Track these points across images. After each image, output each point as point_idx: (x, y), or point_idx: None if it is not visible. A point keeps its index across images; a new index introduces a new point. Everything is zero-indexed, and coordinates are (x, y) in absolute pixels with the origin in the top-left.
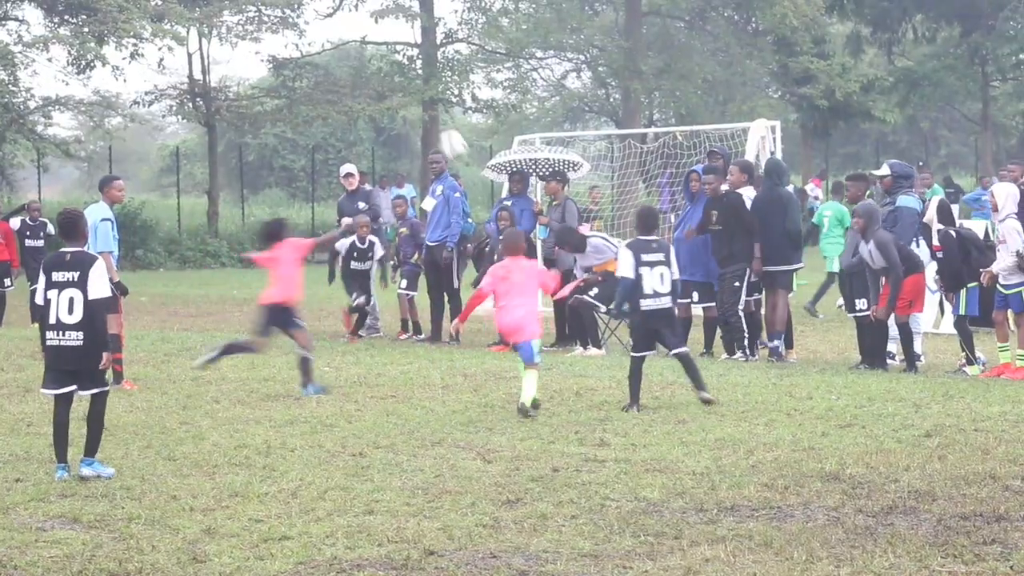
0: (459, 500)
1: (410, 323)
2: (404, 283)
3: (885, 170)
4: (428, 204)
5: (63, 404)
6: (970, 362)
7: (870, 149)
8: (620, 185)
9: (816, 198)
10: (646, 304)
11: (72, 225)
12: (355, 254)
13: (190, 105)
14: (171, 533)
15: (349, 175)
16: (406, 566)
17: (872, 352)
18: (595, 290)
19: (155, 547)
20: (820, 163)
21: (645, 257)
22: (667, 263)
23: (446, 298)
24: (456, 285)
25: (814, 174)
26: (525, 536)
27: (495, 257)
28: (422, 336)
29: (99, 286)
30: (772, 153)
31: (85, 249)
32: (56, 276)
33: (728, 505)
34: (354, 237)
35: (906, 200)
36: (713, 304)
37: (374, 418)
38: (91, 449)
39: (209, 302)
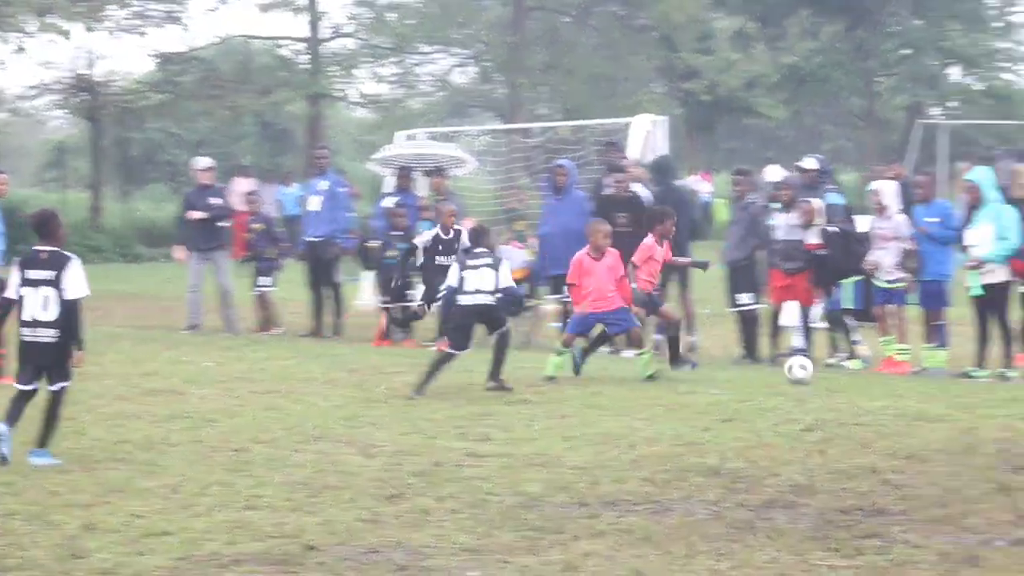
0: (340, 495)
1: (267, 319)
2: (261, 280)
3: (813, 163)
4: (314, 204)
5: (27, 397)
6: (853, 356)
7: (754, 144)
8: (505, 180)
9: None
10: (464, 300)
11: (45, 224)
12: (440, 247)
13: (75, 99)
14: (51, 529)
15: (209, 168)
16: (286, 561)
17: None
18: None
19: (35, 543)
20: (705, 158)
21: (469, 262)
22: (493, 266)
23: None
24: (338, 280)
25: (701, 169)
26: (406, 531)
27: (383, 254)
28: (281, 330)
29: (75, 286)
30: (656, 148)
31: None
32: (31, 274)
33: (609, 499)
34: (437, 230)
35: (834, 197)
36: None
37: (255, 413)
38: (45, 441)
39: (92, 296)
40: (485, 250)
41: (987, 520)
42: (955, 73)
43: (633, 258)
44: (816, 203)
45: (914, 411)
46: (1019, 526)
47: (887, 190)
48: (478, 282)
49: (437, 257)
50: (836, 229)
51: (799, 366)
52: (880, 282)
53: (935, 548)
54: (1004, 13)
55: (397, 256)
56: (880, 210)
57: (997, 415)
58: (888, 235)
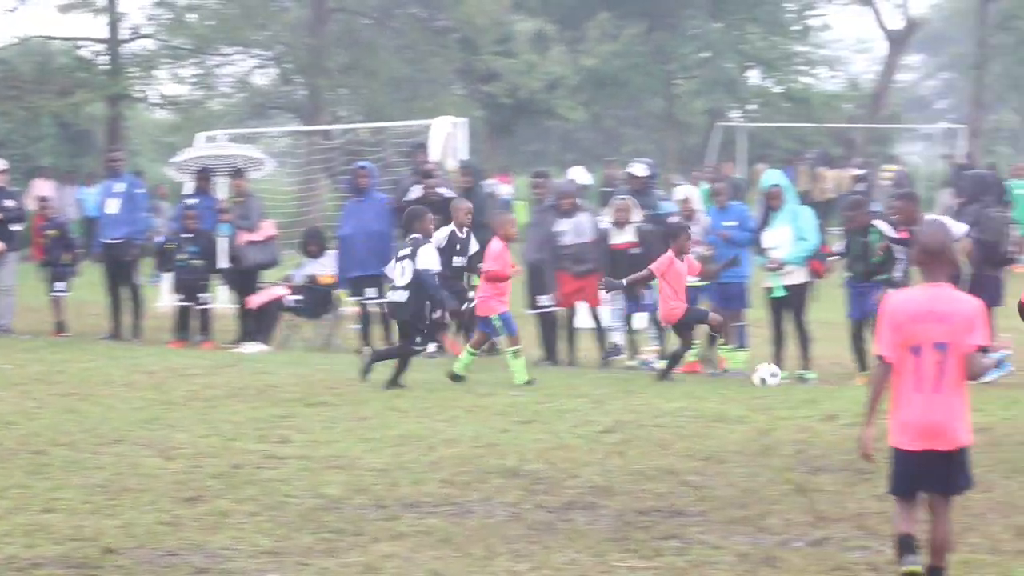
0: (139, 498)
1: (62, 323)
2: (56, 285)
3: (643, 169)
4: (111, 206)
5: None
6: (663, 356)
7: (554, 147)
8: (305, 182)
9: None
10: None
11: None
12: (457, 247)
13: None
14: None
15: (3, 171)
16: (85, 564)
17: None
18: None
19: None
20: (506, 160)
21: (399, 252)
22: (412, 257)
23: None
24: (137, 282)
25: (499, 171)
26: (205, 533)
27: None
28: (68, 333)
29: None
30: (457, 150)
31: None
32: None
33: (409, 501)
34: (452, 228)
35: (667, 206)
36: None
37: (54, 416)
38: None
39: None
40: (417, 236)
41: (784, 521)
42: (754, 76)
43: (655, 272)
44: (629, 201)
45: (712, 412)
46: (816, 527)
47: (695, 195)
48: (398, 277)
49: (454, 257)
50: (652, 227)
51: (770, 374)
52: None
53: (733, 549)
54: (802, 17)
55: (187, 258)
56: (689, 214)
57: (794, 417)
58: (696, 239)
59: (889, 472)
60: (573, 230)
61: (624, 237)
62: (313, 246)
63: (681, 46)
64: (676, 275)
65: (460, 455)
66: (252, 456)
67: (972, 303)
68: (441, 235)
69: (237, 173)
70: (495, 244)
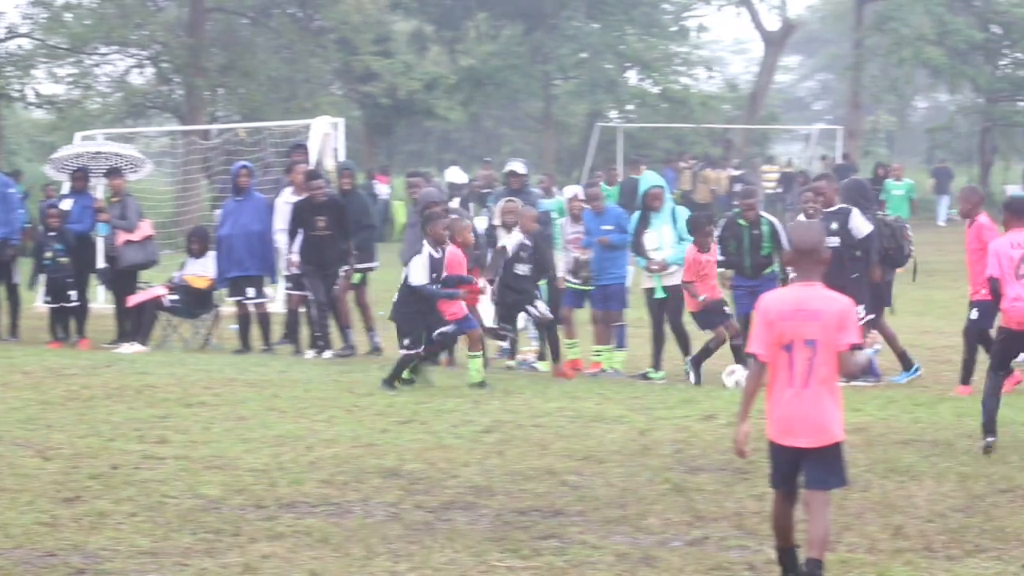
0: (17, 498)
1: None
2: None
3: (521, 168)
4: None
5: None
6: (542, 357)
7: (433, 147)
8: (183, 182)
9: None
10: None
11: None
12: (523, 255)
13: None
14: None
15: None
16: None
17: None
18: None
19: None
20: (385, 160)
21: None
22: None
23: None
24: (15, 281)
25: (377, 171)
26: (83, 534)
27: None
28: None
29: None
30: (335, 150)
31: None
32: None
33: (287, 502)
34: (522, 237)
35: (544, 204)
36: (265, 300)
37: None
38: None
39: None
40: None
41: (663, 521)
42: (632, 77)
43: (684, 276)
44: (516, 203)
45: (591, 412)
46: (695, 526)
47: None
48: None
49: (518, 265)
50: (539, 227)
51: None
52: (571, 284)
53: (612, 549)
54: (679, 18)
55: (53, 256)
56: (575, 217)
57: (673, 416)
58: (579, 239)
59: (772, 466)
60: None
61: (513, 239)
62: (196, 244)
63: (559, 47)
64: (700, 267)
65: (339, 455)
66: (130, 456)
67: (843, 301)
68: (514, 241)
69: (114, 173)
70: (454, 251)
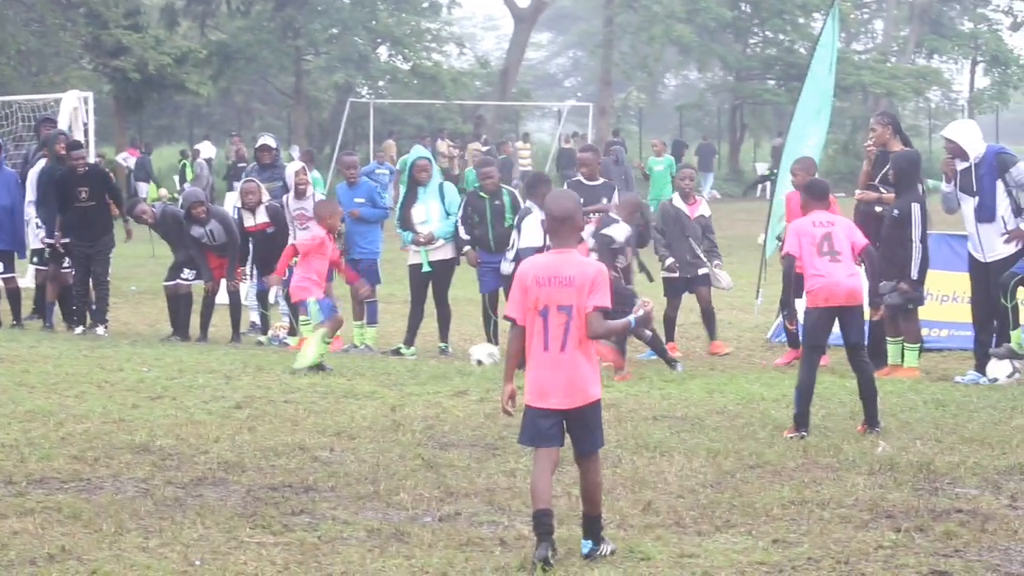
0: None
1: None
2: None
3: (272, 141)
4: None
5: None
6: (293, 332)
7: (184, 121)
8: None
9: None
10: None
11: None
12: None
13: None
14: None
15: None
16: None
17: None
18: None
19: None
20: (134, 134)
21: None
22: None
23: None
24: None
25: (128, 145)
26: None
27: None
28: None
29: None
30: (85, 124)
31: None
32: None
33: (37, 478)
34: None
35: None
36: (14, 275)
37: None
38: None
39: None
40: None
41: (414, 496)
42: (383, 53)
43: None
44: (255, 183)
45: (343, 388)
46: (446, 502)
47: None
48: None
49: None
50: (279, 204)
51: (487, 354)
52: None
53: (364, 524)
54: None
55: None
56: (301, 192)
57: (424, 392)
58: (307, 215)
59: (522, 426)
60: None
61: (258, 219)
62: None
63: (310, 22)
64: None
65: (89, 431)
66: None
67: (595, 267)
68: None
69: None
70: (319, 232)
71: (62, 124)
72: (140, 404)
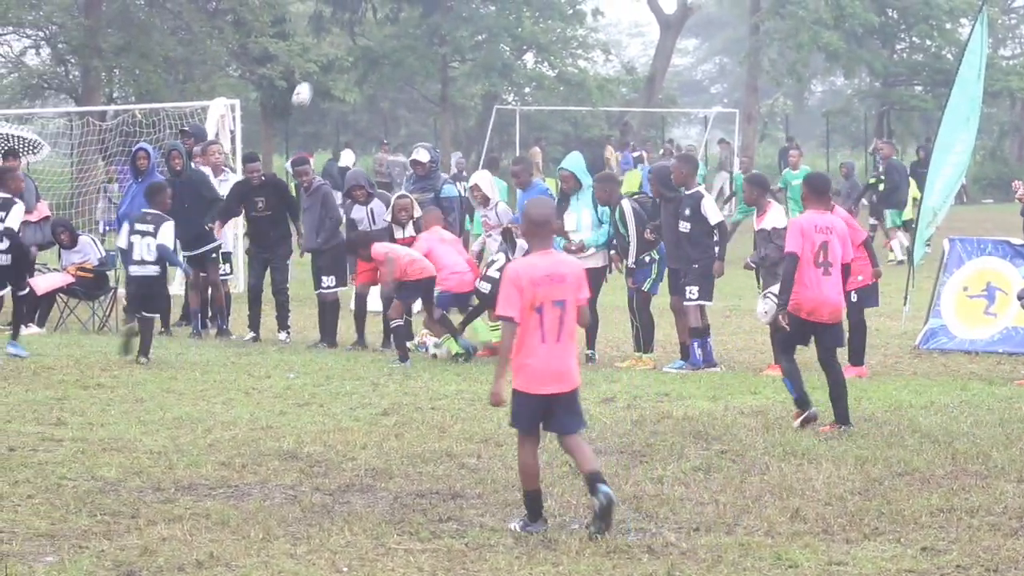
0: None
1: None
2: None
3: (426, 155)
4: None
5: None
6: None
7: (330, 128)
8: (79, 163)
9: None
10: (133, 270)
11: None
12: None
13: None
14: None
15: None
16: None
17: (329, 331)
18: None
19: None
20: (281, 142)
21: (138, 226)
22: (154, 234)
23: None
24: None
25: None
26: None
27: None
28: None
29: None
30: (232, 132)
31: None
32: None
33: (185, 484)
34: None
35: (449, 189)
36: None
37: None
38: None
39: None
40: (155, 212)
41: (561, 503)
42: (529, 60)
43: None
44: (408, 199)
45: (488, 395)
46: (592, 509)
47: (485, 180)
48: (143, 251)
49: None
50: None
51: (434, 344)
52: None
53: (511, 531)
54: (574, 2)
55: None
56: (483, 201)
57: None
58: (492, 224)
59: (512, 411)
60: (368, 217)
61: (407, 233)
62: (64, 235)
63: (456, 29)
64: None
65: (237, 437)
66: (27, 438)
67: (579, 264)
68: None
69: (11, 154)
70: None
71: (209, 131)
72: (287, 411)
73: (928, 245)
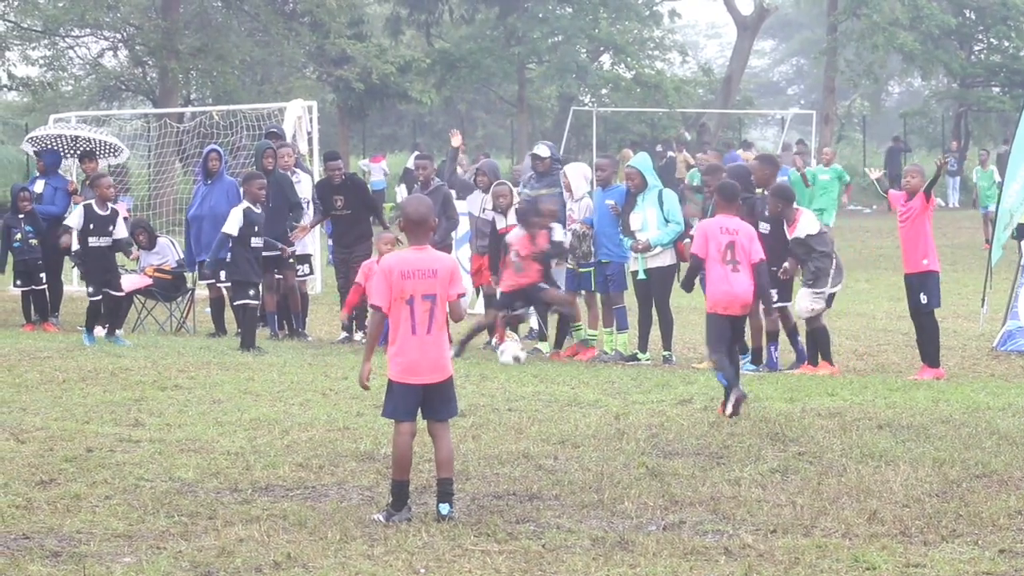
0: None
1: None
2: None
3: (545, 151)
4: None
5: None
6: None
7: (407, 130)
8: (157, 165)
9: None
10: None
11: None
12: None
13: None
14: None
15: None
16: None
17: None
18: None
19: None
20: (359, 143)
21: None
22: None
23: None
24: None
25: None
26: (59, 517)
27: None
28: None
29: None
30: (309, 133)
31: None
32: None
33: (263, 485)
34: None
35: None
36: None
37: None
38: None
39: None
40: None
41: (638, 505)
42: (605, 61)
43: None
44: (507, 186)
45: (566, 396)
46: (670, 511)
47: (575, 173)
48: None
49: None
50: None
51: (515, 353)
52: (571, 265)
53: (588, 533)
54: (651, 3)
55: (23, 239)
56: (569, 191)
57: (648, 401)
58: (574, 217)
59: (386, 401)
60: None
61: (509, 220)
62: (142, 236)
63: (532, 30)
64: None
65: (314, 439)
66: (105, 439)
67: (451, 260)
68: None
69: (88, 156)
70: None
71: (287, 132)
72: (364, 412)
73: (1006, 246)
